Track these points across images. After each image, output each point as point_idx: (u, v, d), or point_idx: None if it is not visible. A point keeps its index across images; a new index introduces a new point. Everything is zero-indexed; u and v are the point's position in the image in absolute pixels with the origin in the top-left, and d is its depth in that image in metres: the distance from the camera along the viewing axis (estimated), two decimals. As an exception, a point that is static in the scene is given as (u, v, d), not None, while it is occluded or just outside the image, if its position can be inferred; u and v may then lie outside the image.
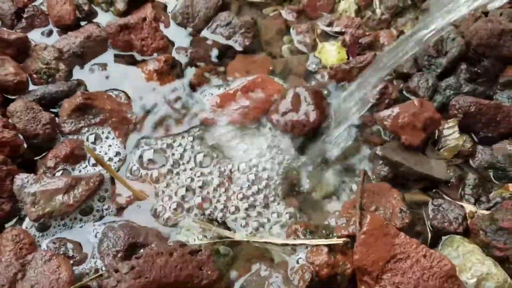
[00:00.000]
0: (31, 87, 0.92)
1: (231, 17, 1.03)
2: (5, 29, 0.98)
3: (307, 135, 0.88)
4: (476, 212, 0.77)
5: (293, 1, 1.10)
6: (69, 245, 0.74)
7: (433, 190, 0.82)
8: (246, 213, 0.79)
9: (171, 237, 0.75)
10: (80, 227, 0.77)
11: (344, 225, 0.75)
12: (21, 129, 0.82)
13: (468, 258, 0.70)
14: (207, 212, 0.79)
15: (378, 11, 1.07)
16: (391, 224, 0.71)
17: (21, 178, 0.76)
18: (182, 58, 1.00)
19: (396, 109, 0.84)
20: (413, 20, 1.04)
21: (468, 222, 0.76)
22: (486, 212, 0.77)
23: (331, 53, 0.99)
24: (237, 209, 0.79)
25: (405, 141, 0.83)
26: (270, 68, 1.01)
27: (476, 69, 0.94)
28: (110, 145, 0.86)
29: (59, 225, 0.76)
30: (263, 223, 0.78)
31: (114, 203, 0.79)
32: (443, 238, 0.76)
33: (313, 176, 0.85)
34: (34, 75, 0.93)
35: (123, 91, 0.94)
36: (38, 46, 0.95)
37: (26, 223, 0.77)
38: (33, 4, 1.05)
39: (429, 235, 0.77)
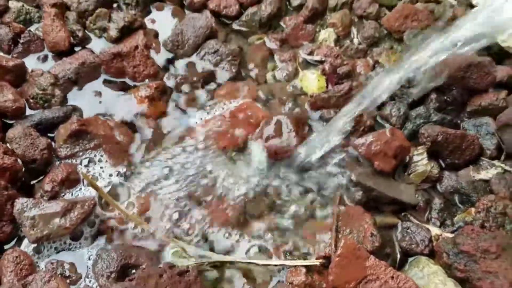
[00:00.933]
0: (28, 111, 0.98)
1: (219, 45, 1.09)
2: (3, 55, 1.03)
3: (289, 159, 0.95)
4: (441, 235, 0.85)
5: (276, 30, 1.17)
6: (66, 266, 0.79)
7: (403, 213, 0.89)
8: (230, 235, 0.85)
9: (161, 257, 0.81)
10: (75, 248, 0.82)
11: (321, 247, 0.82)
12: (20, 154, 0.87)
13: (432, 279, 0.77)
14: (194, 233, 0.85)
15: (355, 40, 1.14)
16: (363, 248, 0.78)
17: (21, 203, 0.81)
18: (172, 84, 1.06)
19: (369, 138, 0.91)
20: (388, 50, 1.12)
21: (434, 244, 0.83)
22: (450, 235, 0.84)
23: (312, 81, 1.06)
24: (221, 231, 0.85)
25: (378, 167, 0.90)
26: (255, 94, 1.07)
27: (446, 98, 1.02)
28: (103, 168, 0.92)
29: (56, 247, 0.81)
30: (246, 244, 0.84)
31: (106, 225, 0.84)
32: (410, 259, 0.83)
33: (293, 199, 0.91)
34: (31, 100, 0.98)
35: (114, 116, 1.00)
36: (35, 72, 1.00)
37: (25, 244, 0.82)
38: (29, 29, 1.10)
39: (398, 255, 0.84)
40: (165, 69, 1.09)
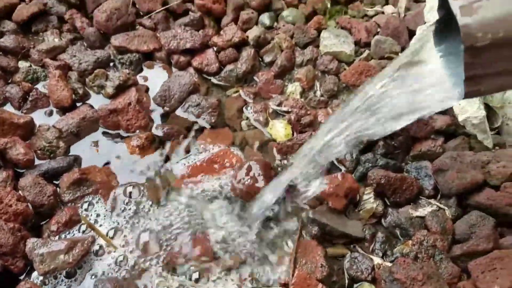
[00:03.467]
0: (36, 161, 1.15)
1: (200, 99, 1.27)
2: (15, 112, 1.21)
3: (257, 199, 1.11)
4: (382, 264, 1.01)
5: (250, 84, 1.35)
6: (68, 295, 0.96)
7: (352, 245, 1.06)
8: (200, 266, 1.02)
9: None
10: (75, 280, 0.99)
11: (281, 275, 0.99)
12: (30, 200, 1.04)
13: (371, 303, 0.93)
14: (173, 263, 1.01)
15: (318, 93, 1.32)
16: (313, 276, 0.94)
17: (32, 242, 0.97)
18: (160, 133, 1.24)
19: (324, 181, 1.08)
20: (345, 101, 1.30)
21: (375, 272, 0.99)
22: (389, 264, 1.00)
23: (280, 130, 1.24)
24: (196, 265, 1.02)
25: (331, 205, 1.07)
26: (231, 140, 1.24)
27: (393, 143, 1.20)
28: (99, 211, 1.09)
29: (61, 279, 0.98)
30: (217, 274, 1.00)
31: (103, 260, 1.01)
32: (356, 285, 0.99)
33: (260, 233, 1.08)
34: (39, 152, 1.15)
35: (110, 164, 1.17)
36: (42, 127, 1.18)
37: (34, 276, 0.98)
38: (36, 87, 1.28)
39: (346, 282, 1.00)
40: (154, 120, 1.26)
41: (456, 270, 0.98)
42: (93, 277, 0.99)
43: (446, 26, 0.83)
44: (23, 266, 0.98)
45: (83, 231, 1.05)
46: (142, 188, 1.14)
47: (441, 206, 1.08)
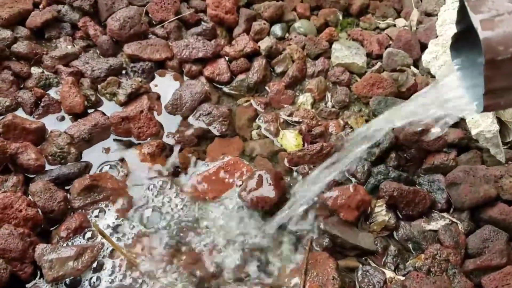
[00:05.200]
0: (47, 166, 1.15)
1: (212, 107, 1.27)
2: (27, 118, 1.21)
3: (269, 209, 1.11)
4: (394, 277, 1.00)
5: (261, 94, 1.35)
6: (77, 302, 0.95)
7: (364, 258, 1.05)
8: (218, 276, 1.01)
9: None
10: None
11: (292, 286, 0.98)
12: (40, 206, 1.04)
13: (382, 315, 0.92)
14: (183, 273, 1.00)
15: (329, 104, 1.32)
16: (325, 288, 0.93)
17: (41, 248, 0.97)
18: (171, 141, 1.23)
19: (336, 192, 1.07)
20: (356, 113, 1.30)
21: (387, 285, 0.98)
22: (401, 278, 0.99)
23: (290, 140, 1.23)
24: (208, 273, 1.01)
25: (343, 217, 1.06)
26: (242, 150, 1.24)
27: (405, 155, 1.19)
28: (110, 217, 1.08)
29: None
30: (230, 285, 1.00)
31: (112, 267, 1.00)
32: (368, 298, 0.98)
33: (272, 243, 1.07)
34: (50, 157, 1.15)
35: (121, 171, 1.17)
36: (54, 133, 1.18)
37: (42, 283, 0.98)
38: (48, 93, 1.28)
39: (358, 295, 0.99)
40: (165, 128, 1.26)
41: (469, 285, 0.97)
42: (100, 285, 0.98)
43: (464, 40, 0.83)
44: (31, 272, 0.97)
45: (91, 238, 1.04)
46: (154, 195, 1.13)
47: (454, 220, 1.08)
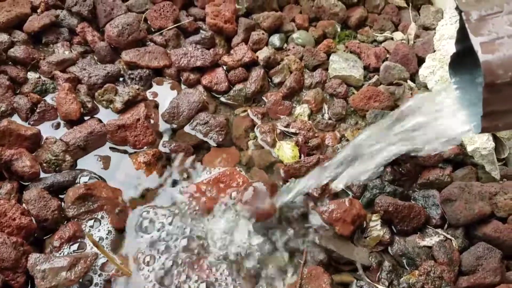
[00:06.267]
0: (42, 174, 1.14)
1: (209, 117, 1.27)
2: (22, 124, 1.20)
3: (263, 220, 1.10)
4: (388, 293, 1.00)
5: (259, 104, 1.35)
6: (69, 313, 0.94)
7: (358, 273, 1.05)
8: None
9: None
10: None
11: (286, 300, 0.98)
12: (34, 215, 1.03)
13: (375, 332, 0.92)
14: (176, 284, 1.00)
15: (326, 116, 1.32)
16: (319, 304, 0.93)
17: (34, 257, 0.96)
18: (167, 150, 1.23)
19: (331, 206, 1.07)
20: (353, 126, 1.30)
21: (381, 301, 0.98)
22: (395, 294, 0.99)
23: (287, 151, 1.23)
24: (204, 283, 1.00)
25: (338, 231, 1.06)
26: (238, 160, 1.24)
27: (401, 170, 1.19)
28: (104, 227, 1.07)
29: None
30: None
31: (104, 278, 0.99)
32: (361, 313, 0.98)
33: (266, 256, 1.06)
34: (44, 164, 1.14)
35: (116, 179, 1.16)
36: (49, 140, 1.17)
37: (34, 293, 0.97)
38: (44, 99, 1.27)
39: (352, 310, 0.99)
40: (162, 137, 1.25)
41: (463, 303, 0.97)
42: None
43: (463, 59, 0.84)
44: (23, 282, 0.96)
45: (84, 248, 1.03)
46: (146, 205, 1.12)
47: (448, 236, 1.08)
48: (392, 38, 1.50)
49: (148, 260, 1.03)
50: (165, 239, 1.07)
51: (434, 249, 1.05)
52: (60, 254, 1.01)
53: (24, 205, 1.05)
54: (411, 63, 1.39)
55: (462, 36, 0.79)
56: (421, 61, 1.38)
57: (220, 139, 1.26)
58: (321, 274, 1.00)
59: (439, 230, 1.09)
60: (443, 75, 1.27)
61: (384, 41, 1.49)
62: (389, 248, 1.09)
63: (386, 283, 1.02)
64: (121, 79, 1.34)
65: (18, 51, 1.31)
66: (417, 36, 1.47)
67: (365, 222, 1.10)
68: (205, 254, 1.06)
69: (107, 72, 1.31)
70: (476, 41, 0.68)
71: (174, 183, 1.18)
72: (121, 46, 1.36)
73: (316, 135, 1.26)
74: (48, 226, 1.04)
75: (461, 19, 0.75)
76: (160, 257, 1.04)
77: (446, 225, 1.11)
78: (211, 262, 1.04)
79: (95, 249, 1.02)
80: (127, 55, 1.34)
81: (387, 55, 1.43)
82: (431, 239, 1.07)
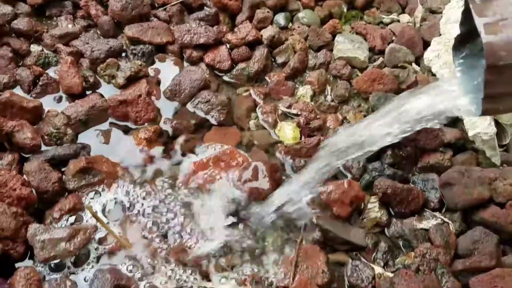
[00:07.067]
0: (43, 147, 1.14)
1: (210, 95, 1.26)
2: (24, 96, 1.20)
3: (263, 200, 1.11)
4: (383, 274, 1.01)
5: (261, 84, 1.34)
6: (68, 283, 0.95)
7: (354, 253, 1.05)
8: (208, 263, 1.01)
9: (148, 281, 0.97)
10: (75, 268, 0.98)
11: (282, 278, 0.99)
12: (35, 186, 1.04)
13: (369, 311, 0.93)
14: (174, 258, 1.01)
15: (328, 97, 1.31)
16: (313, 282, 0.94)
17: (33, 228, 0.97)
18: (168, 127, 1.23)
19: (330, 187, 1.08)
20: (355, 108, 1.29)
21: (376, 281, 0.99)
22: (390, 275, 1.00)
23: (288, 132, 1.23)
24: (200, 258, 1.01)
25: (335, 212, 1.07)
26: (239, 140, 1.24)
27: (401, 153, 1.19)
28: (104, 200, 1.08)
29: (60, 267, 0.97)
30: (220, 273, 1.00)
31: (104, 250, 1.01)
32: (355, 292, 0.99)
33: (263, 235, 1.07)
34: (46, 137, 1.14)
35: (116, 155, 1.16)
36: (51, 113, 1.17)
37: (34, 263, 0.98)
38: (46, 72, 1.27)
39: (346, 289, 1.00)
40: (163, 114, 1.25)
41: (457, 285, 0.98)
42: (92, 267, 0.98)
43: (467, 42, 0.83)
44: (23, 252, 0.97)
45: (84, 220, 1.04)
46: (148, 181, 1.13)
47: (446, 220, 1.08)
48: (398, 20, 1.48)
49: (147, 234, 1.04)
50: (163, 214, 1.08)
51: (431, 232, 1.05)
52: (60, 225, 1.02)
53: (24, 176, 1.06)
54: (417, 46, 1.38)
55: (467, 18, 0.77)
56: (426, 44, 1.37)
57: (222, 118, 1.25)
58: (317, 252, 1.01)
59: (436, 214, 1.10)
60: (448, 59, 1.26)
61: (390, 23, 1.47)
62: (386, 230, 1.09)
63: (382, 263, 1.03)
64: (123, 54, 1.34)
65: (21, 23, 1.31)
66: (423, 19, 1.45)
67: (363, 204, 1.11)
68: (200, 231, 1.06)
69: (110, 47, 1.30)
70: (479, 22, 0.67)
71: (174, 160, 1.18)
72: (124, 20, 1.35)
73: (318, 116, 1.26)
74: (48, 198, 1.05)
75: (466, 0, 0.74)
76: (159, 230, 1.05)
77: (444, 209, 1.11)
78: (208, 238, 1.05)
79: (94, 222, 1.03)
80: (130, 30, 1.33)
81: (393, 37, 1.42)
82: (429, 222, 1.08)
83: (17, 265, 0.97)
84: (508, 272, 0.97)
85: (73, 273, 0.97)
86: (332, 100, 1.31)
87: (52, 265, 0.97)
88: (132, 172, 1.14)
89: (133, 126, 1.22)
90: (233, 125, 1.27)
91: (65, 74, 1.23)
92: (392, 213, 1.11)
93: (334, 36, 1.41)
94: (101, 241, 1.02)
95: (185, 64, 1.35)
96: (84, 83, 1.24)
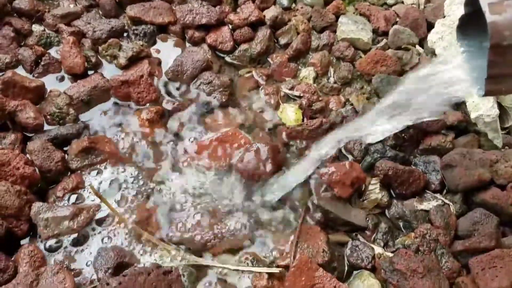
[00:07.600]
0: (46, 126, 1.15)
1: (213, 77, 1.26)
2: (26, 76, 1.20)
3: (265, 181, 1.11)
4: (383, 253, 1.02)
5: (264, 65, 1.34)
6: (71, 260, 0.96)
7: (354, 233, 1.06)
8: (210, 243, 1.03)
9: (150, 258, 0.99)
10: (80, 245, 0.99)
11: (282, 257, 1.00)
12: (38, 165, 1.05)
13: (369, 290, 0.95)
14: (177, 237, 1.02)
15: (331, 79, 1.31)
16: (314, 261, 0.95)
17: (37, 206, 0.98)
18: (170, 108, 1.23)
19: (332, 168, 1.08)
20: (358, 90, 1.29)
21: (376, 261, 1.00)
22: (389, 255, 1.01)
23: (290, 114, 1.23)
24: (203, 237, 1.02)
25: (337, 193, 1.07)
26: (241, 122, 1.24)
27: (403, 135, 1.19)
28: (106, 180, 1.09)
29: (65, 244, 0.98)
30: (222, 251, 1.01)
31: (107, 228, 1.02)
32: (355, 272, 1.00)
33: (265, 214, 1.08)
34: (48, 117, 1.15)
35: (119, 135, 1.17)
36: (53, 93, 1.17)
37: (38, 241, 0.99)
38: (48, 52, 1.27)
39: (346, 268, 1.01)
40: (165, 95, 1.25)
41: (456, 265, 0.99)
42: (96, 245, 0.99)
43: (471, 22, 0.82)
44: (26, 230, 0.99)
45: (87, 199, 1.05)
46: (149, 163, 1.14)
47: (446, 201, 1.09)
48: (402, 2, 1.46)
49: (147, 213, 1.05)
50: (167, 194, 1.09)
51: (431, 213, 1.06)
52: (63, 204, 1.03)
53: (27, 155, 1.06)
54: (421, 28, 1.36)
55: (472, -3, 0.77)
56: (430, 26, 1.35)
57: (224, 100, 1.25)
58: (318, 232, 1.02)
59: (437, 195, 1.10)
60: (452, 41, 1.25)
61: (394, 4, 1.45)
62: (387, 211, 1.10)
63: (382, 244, 1.04)
64: (125, 34, 1.33)
65: (23, 3, 1.30)
66: (427, 1, 1.43)
67: (364, 185, 1.11)
68: (202, 211, 1.07)
69: (112, 27, 1.29)
70: (484, 2, 0.66)
71: (176, 141, 1.18)
72: (126, 0, 1.34)
73: (320, 98, 1.26)
74: (51, 177, 1.06)
75: (471, -21, 0.73)
76: (163, 209, 1.06)
77: (445, 191, 1.12)
78: (206, 218, 1.05)
79: (97, 201, 1.04)
80: (132, 10, 1.32)
81: (397, 19, 1.40)
82: (429, 204, 1.08)
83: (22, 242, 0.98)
84: (508, 252, 0.98)
85: (75, 251, 0.98)
86: (335, 82, 1.30)
87: (52, 243, 0.98)
88: (134, 152, 1.14)
89: (135, 107, 1.22)
90: (236, 106, 1.27)
91: (67, 54, 1.23)
92: (393, 194, 1.12)
93: (337, 17, 1.40)
94: (101, 220, 1.02)
95: (187, 45, 1.35)
96: (86, 63, 1.24)
